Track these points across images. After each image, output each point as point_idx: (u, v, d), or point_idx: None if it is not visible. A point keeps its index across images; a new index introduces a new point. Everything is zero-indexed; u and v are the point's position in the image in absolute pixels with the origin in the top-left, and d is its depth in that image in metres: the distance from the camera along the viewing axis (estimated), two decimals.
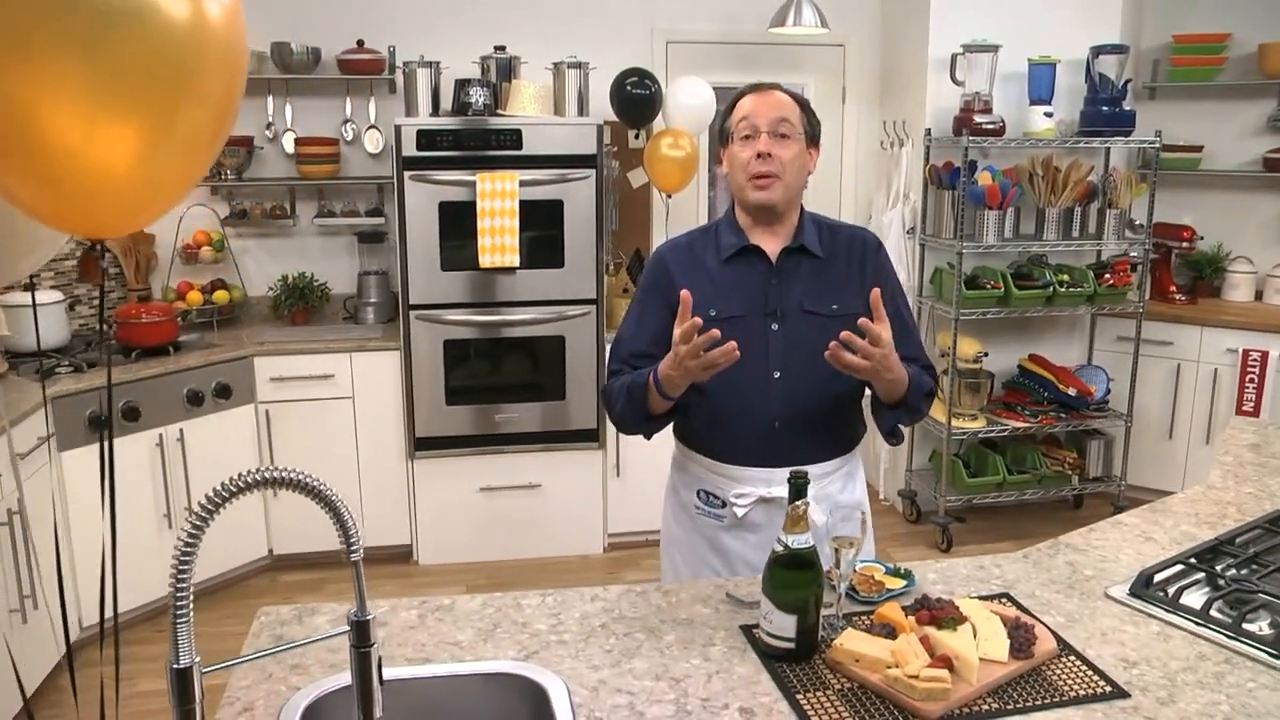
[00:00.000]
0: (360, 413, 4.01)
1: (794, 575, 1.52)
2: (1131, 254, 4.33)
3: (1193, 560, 1.86)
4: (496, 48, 4.08)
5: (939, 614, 1.54)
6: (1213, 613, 1.69)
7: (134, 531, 3.53)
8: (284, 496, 3.99)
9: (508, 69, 4.07)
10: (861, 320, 1.76)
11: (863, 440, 2.10)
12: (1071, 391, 4.18)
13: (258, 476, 1.01)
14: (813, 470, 1.91)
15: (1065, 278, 4.12)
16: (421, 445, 4.07)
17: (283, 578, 4.07)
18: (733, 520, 1.98)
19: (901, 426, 2.03)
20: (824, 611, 1.64)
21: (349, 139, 4.32)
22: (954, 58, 4.09)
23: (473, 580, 4.08)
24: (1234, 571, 1.85)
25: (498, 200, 3.85)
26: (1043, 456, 4.31)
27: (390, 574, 4.12)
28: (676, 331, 1.76)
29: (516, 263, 3.92)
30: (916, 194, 4.33)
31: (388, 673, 1.52)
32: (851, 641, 1.50)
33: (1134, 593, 1.77)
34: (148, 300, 4.00)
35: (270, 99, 4.22)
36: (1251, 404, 4.16)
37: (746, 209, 1.97)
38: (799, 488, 1.52)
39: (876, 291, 1.78)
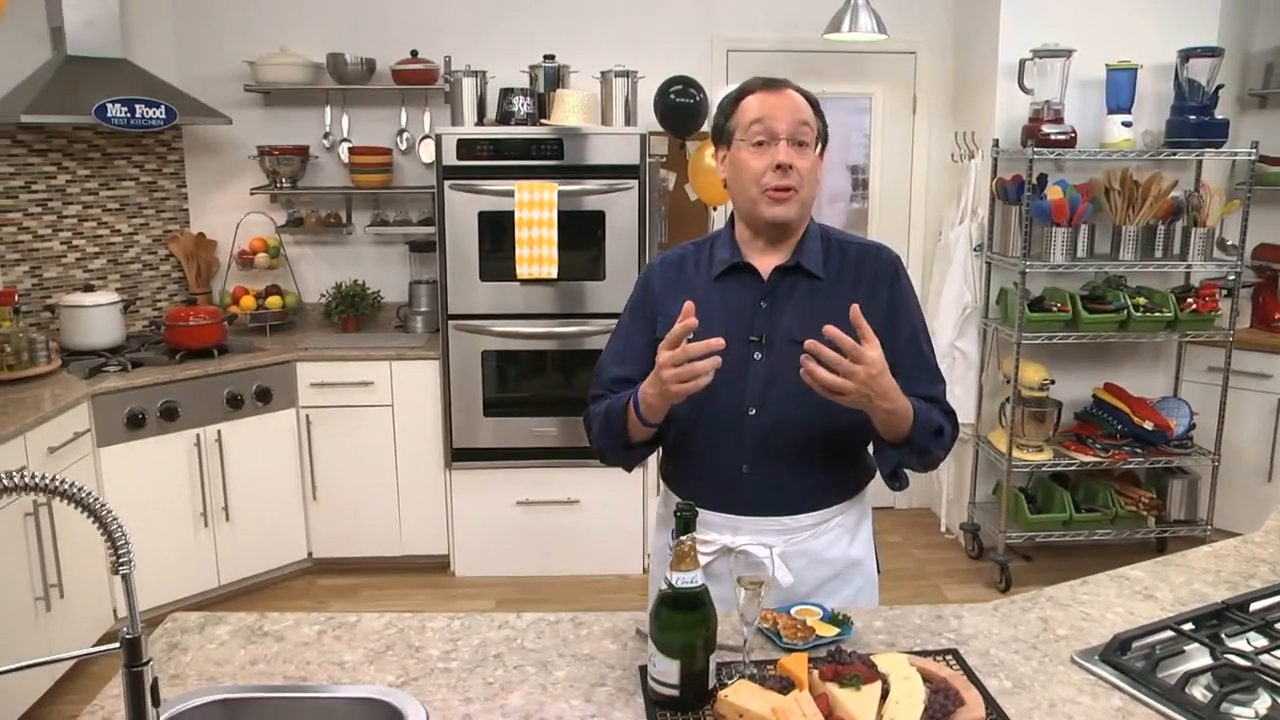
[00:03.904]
0: (399, 421, 4.01)
1: (678, 617, 1.38)
2: (1230, 277, 3.94)
3: (1187, 626, 1.62)
4: (546, 56, 4.04)
5: (844, 669, 1.37)
6: (1190, 690, 1.45)
7: (170, 529, 3.62)
8: (325, 500, 4.03)
9: (556, 78, 4.03)
10: (829, 329, 1.51)
11: (867, 489, 1.87)
12: (1148, 425, 3.82)
13: (12, 482, 0.96)
14: (787, 522, 1.76)
15: (1142, 301, 3.78)
16: (459, 456, 4.04)
17: (320, 581, 4.11)
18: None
19: (906, 470, 1.79)
20: (732, 657, 1.50)
21: (403, 149, 4.36)
22: (1022, 63, 3.81)
23: (505, 594, 4.02)
24: (1241, 642, 1.60)
25: (536, 210, 3.80)
26: (1116, 495, 3.96)
27: (426, 584, 4.11)
28: (664, 341, 1.57)
29: (555, 274, 3.86)
30: (985, 209, 4.06)
31: (248, 691, 1.45)
32: (739, 694, 1.35)
33: (1105, 659, 1.54)
34: (193, 304, 4.10)
35: (328, 109, 4.30)
36: None
37: (754, 225, 1.75)
38: (685, 520, 1.38)
39: (855, 308, 1.54)
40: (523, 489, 4.08)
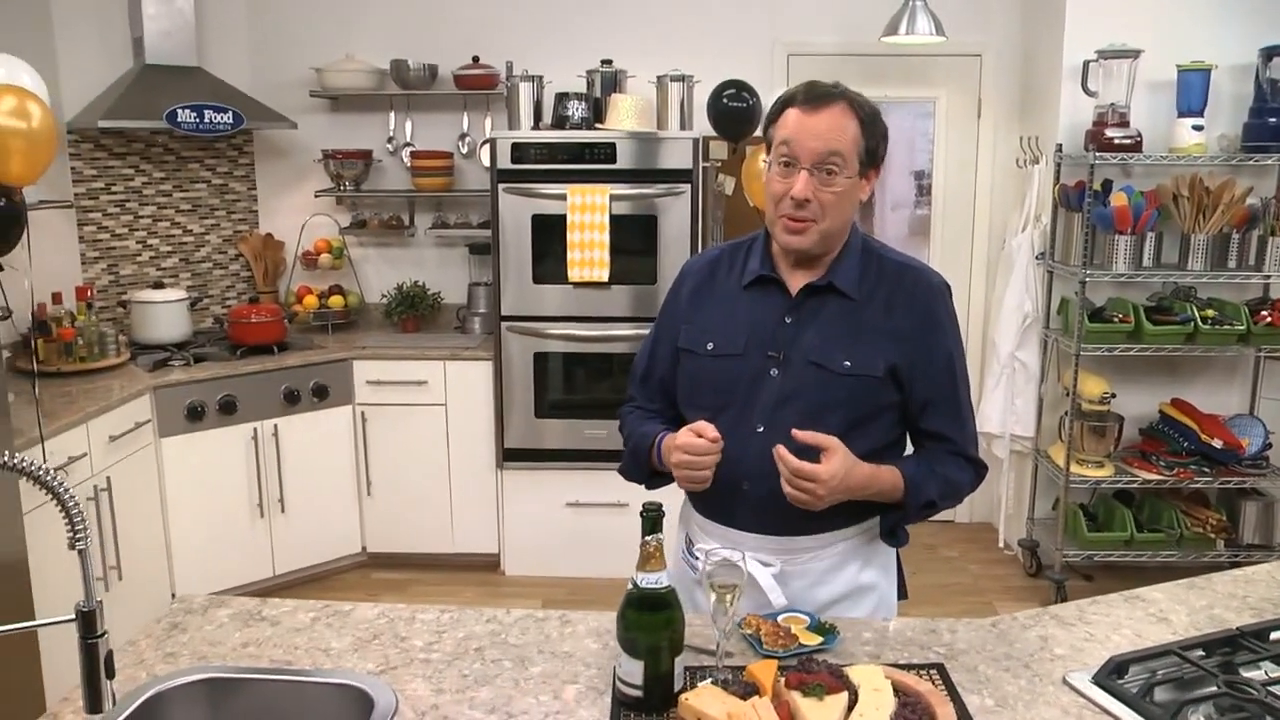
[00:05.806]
0: (453, 420, 4.08)
1: (644, 618, 1.38)
2: None
3: (1196, 652, 1.54)
4: (603, 61, 4.07)
5: (808, 678, 1.35)
6: (1186, 718, 1.38)
7: (226, 518, 3.76)
8: (380, 496, 4.13)
9: (613, 82, 4.06)
10: (795, 433, 1.58)
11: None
12: (1216, 443, 3.64)
13: None
14: (786, 543, 1.73)
15: (1211, 313, 3.60)
16: (511, 456, 4.09)
17: (373, 575, 4.21)
18: (699, 575, 1.73)
19: (904, 529, 1.76)
20: (710, 661, 1.49)
21: (464, 152, 4.44)
22: (1086, 65, 3.68)
23: (553, 594, 4.05)
24: (1256, 673, 1.51)
25: (588, 214, 3.83)
26: (1182, 515, 3.78)
27: (475, 581, 4.16)
28: (683, 438, 1.64)
29: (606, 278, 3.88)
30: (1048, 216, 3.93)
31: (232, 671, 1.50)
32: (699, 698, 1.34)
33: (1098, 681, 1.48)
34: (257, 302, 4.24)
35: (391, 114, 4.41)
36: None
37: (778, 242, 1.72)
38: (652, 520, 1.38)
39: (798, 432, 1.58)
40: (573, 490, 4.11)
